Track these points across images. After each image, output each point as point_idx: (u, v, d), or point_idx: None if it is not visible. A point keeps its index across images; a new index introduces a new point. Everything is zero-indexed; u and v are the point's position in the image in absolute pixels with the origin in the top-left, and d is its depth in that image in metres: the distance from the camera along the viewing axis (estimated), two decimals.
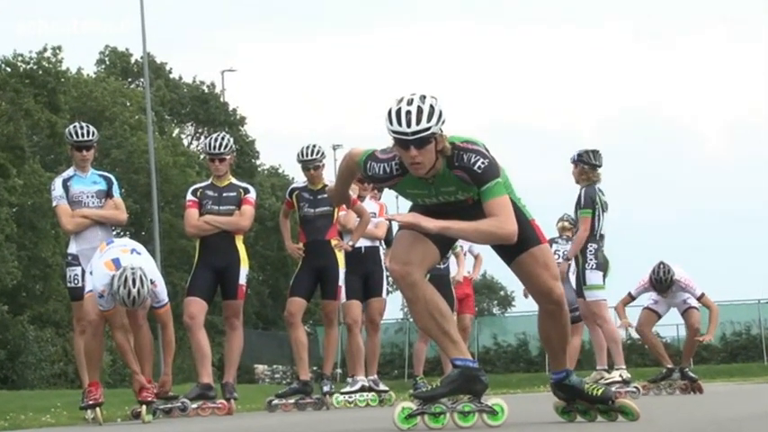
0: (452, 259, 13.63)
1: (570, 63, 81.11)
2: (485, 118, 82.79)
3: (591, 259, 11.66)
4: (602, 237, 11.75)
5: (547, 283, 5.96)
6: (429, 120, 5.63)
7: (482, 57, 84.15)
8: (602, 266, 11.72)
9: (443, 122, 5.71)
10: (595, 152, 11.86)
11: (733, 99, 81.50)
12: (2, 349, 32.14)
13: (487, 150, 5.85)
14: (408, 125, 5.62)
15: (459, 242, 13.57)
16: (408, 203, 6.16)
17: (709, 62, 79.01)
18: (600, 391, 6.20)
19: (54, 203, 10.04)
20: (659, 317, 13.58)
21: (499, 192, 5.73)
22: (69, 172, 10.07)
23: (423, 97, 5.70)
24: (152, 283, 8.82)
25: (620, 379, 11.67)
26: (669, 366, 13.26)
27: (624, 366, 11.93)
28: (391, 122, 5.66)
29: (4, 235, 31.72)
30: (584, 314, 12.07)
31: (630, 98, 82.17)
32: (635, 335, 15.48)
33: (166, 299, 9.26)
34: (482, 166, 5.71)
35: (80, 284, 9.69)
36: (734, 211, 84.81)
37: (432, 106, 5.67)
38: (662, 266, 12.86)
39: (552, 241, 13.55)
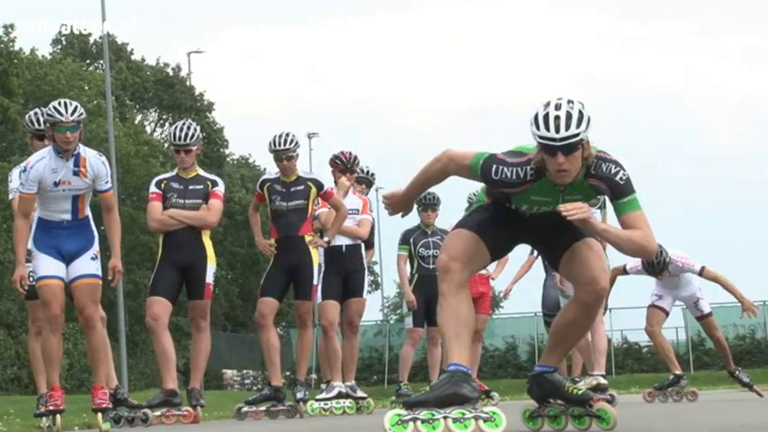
0: None
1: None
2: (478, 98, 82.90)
3: None
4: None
5: (597, 271, 6.15)
6: (578, 125, 5.78)
7: (463, 39, 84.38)
8: None
9: (591, 128, 5.86)
10: None
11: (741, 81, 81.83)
12: None
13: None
14: (557, 131, 5.75)
15: None
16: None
17: None
18: (580, 391, 6.39)
19: (11, 195, 9.98)
20: (667, 314, 13.68)
21: (640, 206, 5.96)
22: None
23: (570, 102, 5.84)
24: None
25: (594, 383, 11.75)
26: (677, 373, 13.35)
27: (602, 372, 12.00)
28: (538, 127, 5.79)
29: None
30: None
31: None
32: (632, 338, 15.52)
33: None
34: (624, 177, 5.93)
35: (35, 283, 9.65)
36: (739, 208, 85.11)
37: (581, 111, 5.81)
38: None
39: None
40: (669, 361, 13.49)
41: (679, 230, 74.53)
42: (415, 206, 13.63)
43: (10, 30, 36.60)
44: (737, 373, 13.72)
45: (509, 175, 5.96)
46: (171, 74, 50.76)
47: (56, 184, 8.92)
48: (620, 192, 5.93)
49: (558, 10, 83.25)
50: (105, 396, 9.06)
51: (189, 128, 10.40)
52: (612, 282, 13.36)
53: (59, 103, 9.05)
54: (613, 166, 5.92)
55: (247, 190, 46.02)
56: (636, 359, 36.92)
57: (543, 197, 6.02)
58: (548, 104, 5.84)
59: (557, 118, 5.76)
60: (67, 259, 8.99)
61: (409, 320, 13.46)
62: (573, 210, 5.86)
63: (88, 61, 48.70)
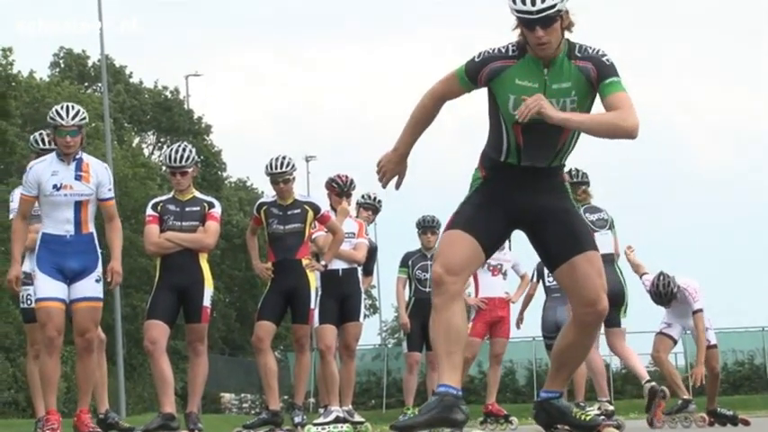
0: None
1: None
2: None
3: None
4: (602, 258, 11.73)
5: (597, 291, 6.02)
6: None
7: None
8: None
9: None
10: (576, 170, 12.01)
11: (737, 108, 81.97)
12: None
13: None
14: (533, 3, 5.68)
15: (503, 260, 13.81)
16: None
17: None
18: (588, 417, 6.31)
19: (11, 216, 10.02)
20: (675, 342, 13.64)
21: (623, 87, 5.80)
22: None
23: None
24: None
25: (599, 411, 11.74)
26: (685, 397, 13.29)
27: (607, 398, 11.98)
28: (515, 1, 5.73)
29: None
30: None
31: None
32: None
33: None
34: (610, 59, 5.84)
35: (33, 305, 9.67)
36: (736, 230, 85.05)
37: None
38: (661, 278, 12.88)
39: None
40: (677, 386, 13.40)
41: (678, 250, 74.40)
42: (416, 230, 13.68)
43: (8, 53, 36.71)
44: (719, 410, 13.59)
45: (491, 51, 5.93)
46: (169, 96, 50.85)
47: (57, 188, 8.96)
48: (606, 71, 5.81)
49: None
50: (90, 421, 9.09)
51: (184, 150, 10.40)
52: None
53: (61, 107, 9.14)
54: (599, 49, 5.87)
55: (245, 213, 46.04)
56: (635, 384, 36.81)
57: (529, 82, 5.86)
58: None
59: None
60: (70, 278, 8.99)
61: (405, 345, 13.45)
62: (524, 110, 5.71)
63: (86, 84, 48.78)
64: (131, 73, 50.42)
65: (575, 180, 11.93)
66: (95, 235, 9.15)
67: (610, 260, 11.67)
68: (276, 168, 11.02)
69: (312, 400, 29.43)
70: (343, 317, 11.63)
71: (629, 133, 5.76)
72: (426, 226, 13.33)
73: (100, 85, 42.30)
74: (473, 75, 5.96)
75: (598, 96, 5.86)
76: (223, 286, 45.33)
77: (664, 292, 12.79)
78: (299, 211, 11.03)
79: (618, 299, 11.64)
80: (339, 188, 12.03)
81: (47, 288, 8.93)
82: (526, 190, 6.03)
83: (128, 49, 72.52)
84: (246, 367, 43.85)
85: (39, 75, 43.76)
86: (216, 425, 14.84)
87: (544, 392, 6.35)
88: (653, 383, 12.00)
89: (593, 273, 6.03)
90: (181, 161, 10.35)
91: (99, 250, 9.15)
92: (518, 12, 5.71)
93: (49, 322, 8.90)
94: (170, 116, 50.13)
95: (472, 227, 6.00)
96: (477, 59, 5.92)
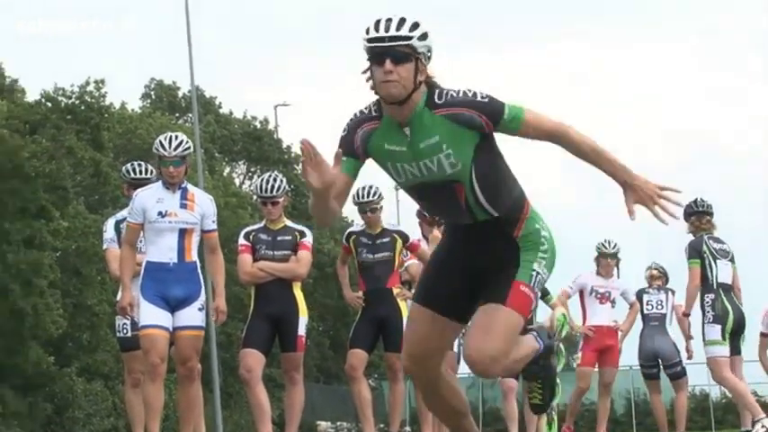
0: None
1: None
2: None
3: (708, 312, 11.70)
4: (721, 286, 11.74)
5: (472, 351, 5.42)
6: (412, 30, 5.25)
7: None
8: (720, 319, 11.64)
9: (429, 50, 5.31)
10: (702, 201, 11.96)
11: None
12: (49, 403, 32.51)
13: None
14: (387, 30, 5.23)
15: (612, 287, 13.73)
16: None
17: None
18: None
19: (105, 246, 10.22)
20: None
21: (523, 108, 5.30)
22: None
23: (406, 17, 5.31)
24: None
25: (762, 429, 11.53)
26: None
27: (764, 415, 11.75)
28: (367, 32, 5.27)
29: (48, 281, 31.96)
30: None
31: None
32: None
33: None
34: (484, 95, 5.29)
35: (129, 334, 9.88)
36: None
37: (417, 22, 5.28)
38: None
39: (643, 291, 13.63)
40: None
41: None
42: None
43: (101, 85, 37.27)
44: None
45: (353, 116, 5.46)
46: (258, 127, 51.31)
47: (162, 215, 9.15)
48: (492, 109, 5.26)
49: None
50: None
51: (275, 180, 10.54)
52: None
53: (165, 138, 9.36)
54: (465, 89, 5.29)
55: (336, 241, 46.21)
56: (736, 414, 35.81)
57: (397, 146, 5.33)
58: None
59: (388, 20, 5.25)
60: (173, 305, 9.13)
61: None
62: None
63: (177, 114, 49.41)
64: (221, 103, 51.02)
65: (699, 209, 11.88)
66: (198, 264, 9.33)
67: (728, 289, 11.71)
68: (363, 198, 11.10)
69: (408, 429, 29.42)
70: None
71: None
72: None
73: (190, 115, 42.80)
74: (349, 150, 5.47)
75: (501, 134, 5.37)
76: (316, 315, 45.52)
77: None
78: (387, 239, 11.11)
79: (741, 326, 11.74)
80: (430, 217, 12.08)
81: (150, 316, 9.02)
82: (472, 247, 5.51)
83: (217, 79, 73.30)
84: (342, 395, 43.94)
85: (130, 106, 44.45)
86: None
87: None
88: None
89: (495, 324, 5.40)
90: (272, 191, 10.49)
91: (202, 280, 9.30)
92: (369, 41, 5.25)
93: (152, 349, 9.00)
94: (260, 146, 50.55)
95: (432, 298, 5.54)
96: (344, 133, 5.49)
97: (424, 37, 5.27)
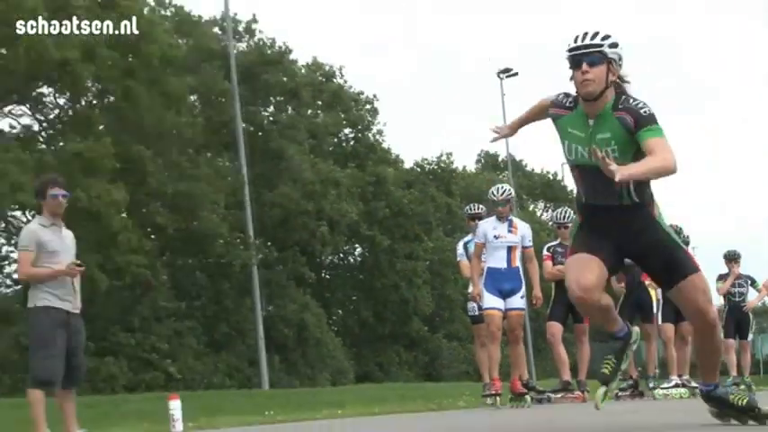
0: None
1: None
2: None
3: None
4: None
5: (702, 307, 4.68)
6: (603, 40, 4.58)
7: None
8: None
9: (620, 58, 4.61)
10: None
11: None
12: (425, 356, 34.22)
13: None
14: (583, 40, 4.57)
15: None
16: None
17: None
18: (744, 400, 4.80)
19: (458, 259, 10.41)
20: None
21: (660, 133, 4.45)
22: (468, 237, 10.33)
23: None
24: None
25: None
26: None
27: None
28: (568, 45, 4.61)
29: (422, 280, 33.99)
30: None
31: None
32: None
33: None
34: (648, 111, 4.49)
35: (476, 313, 9.96)
36: None
37: (608, 34, 4.61)
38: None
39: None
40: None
41: None
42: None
43: (449, 155, 38.88)
44: None
45: (558, 97, 4.73)
46: (551, 178, 51.36)
47: (496, 237, 9.22)
48: (643, 121, 4.43)
49: None
50: (519, 385, 9.31)
51: (565, 211, 10.55)
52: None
53: (495, 188, 9.36)
54: (641, 102, 4.52)
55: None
56: None
57: (578, 131, 4.60)
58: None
59: (585, 33, 4.60)
60: (504, 295, 9.20)
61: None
62: (617, 173, 4.23)
63: (497, 172, 50.12)
64: (527, 164, 51.55)
65: None
66: (521, 268, 9.33)
67: None
68: (560, 218, 10.64)
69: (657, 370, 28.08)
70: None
71: (672, 171, 4.39)
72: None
73: (507, 172, 43.36)
74: (551, 105, 4.84)
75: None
76: None
77: None
78: None
79: None
80: None
81: (490, 301, 9.17)
82: (615, 229, 4.63)
83: (524, 144, 72.37)
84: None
85: (469, 168, 45.56)
86: (596, 388, 14.52)
87: (702, 387, 4.92)
88: None
89: (698, 292, 4.65)
90: (562, 218, 10.49)
91: (523, 279, 9.34)
92: (568, 50, 4.58)
93: (491, 323, 9.16)
94: (552, 191, 50.68)
95: (592, 249, 4.64)
96: (552, 99, 4.79)
97: (614, 45, 4.60)
